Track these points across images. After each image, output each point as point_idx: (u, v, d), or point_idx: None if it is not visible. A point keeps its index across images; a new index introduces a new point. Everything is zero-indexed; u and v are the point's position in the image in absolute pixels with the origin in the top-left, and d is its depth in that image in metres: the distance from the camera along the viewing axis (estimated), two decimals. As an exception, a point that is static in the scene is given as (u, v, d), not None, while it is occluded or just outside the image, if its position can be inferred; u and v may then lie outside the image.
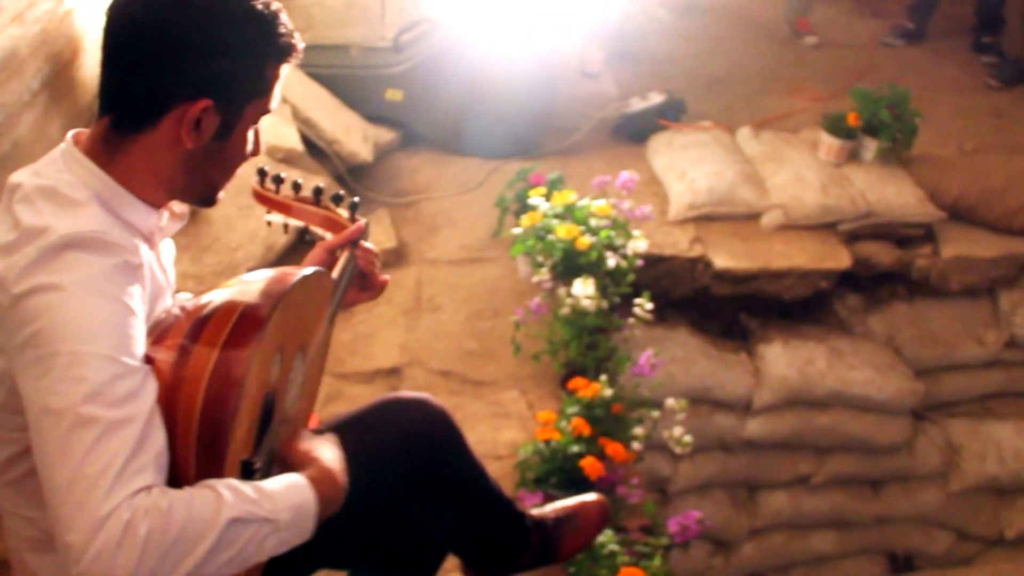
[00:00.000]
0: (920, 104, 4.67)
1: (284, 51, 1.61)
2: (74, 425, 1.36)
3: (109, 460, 1.35)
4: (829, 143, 4.65)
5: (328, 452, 1.69)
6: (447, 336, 3.85)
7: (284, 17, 1.62)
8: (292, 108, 4.36)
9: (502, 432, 3.43)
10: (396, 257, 4.21)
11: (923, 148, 4.75)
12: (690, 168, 4.53)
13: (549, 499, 2.96)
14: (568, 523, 2.46)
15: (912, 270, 4.54)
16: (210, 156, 1.63)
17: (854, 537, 4.56)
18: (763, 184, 4.50)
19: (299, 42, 1.64)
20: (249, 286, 1.66)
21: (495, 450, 3.35)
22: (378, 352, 3.75)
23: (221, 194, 1.73)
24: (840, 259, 4.33)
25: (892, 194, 4.47)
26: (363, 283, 2.15)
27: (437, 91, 4.75)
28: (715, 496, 4.39)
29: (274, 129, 4.18)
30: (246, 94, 1.61)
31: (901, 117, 4.56)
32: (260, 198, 2.19)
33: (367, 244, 2.15)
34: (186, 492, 1.41)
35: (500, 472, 3.25)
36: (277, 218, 2.22)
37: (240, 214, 3.84)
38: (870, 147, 4.63)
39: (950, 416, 4.66)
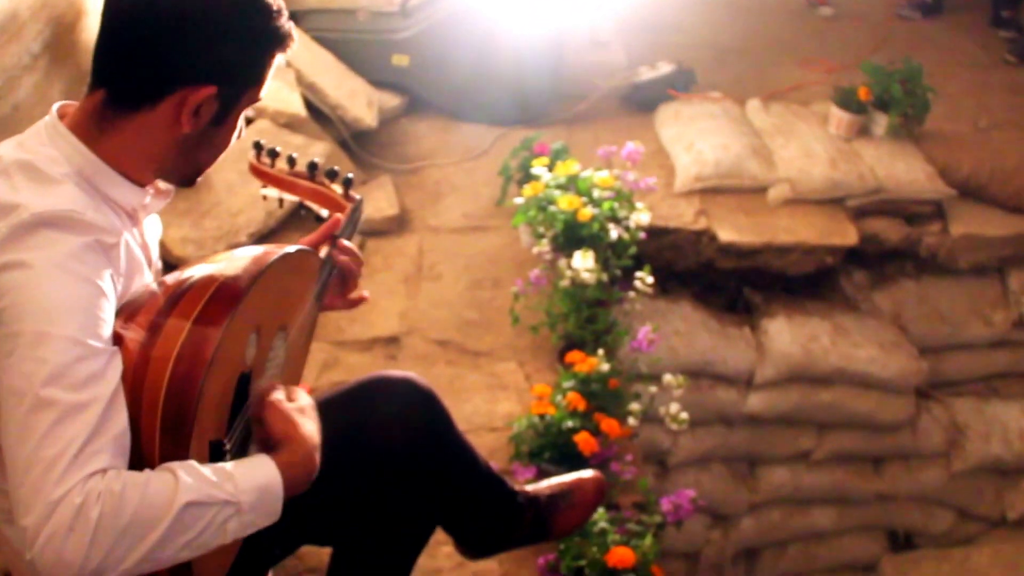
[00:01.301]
0: (934, 79, 4.61)
1: (284, 41, 1.61)
2: (34, 407, 1.35)
3: (66, 444, 1.34)
4: (839, 117, 4.60)
5: (309, 426, 1.66)
6: (447, 305, 3.83)
7: (284, 7, 1.62)
8: (296, 72, 4.32)
9: (498, 404, 3.40)
10: (398, 224, 4.18)
11: (936, 124, 4.69)
12: (697, 140, 4.48)
13: (542, 474, 2.95)
14: (563, 500, 2.44)
15: (920, 247, 4.49)
16: (203, 140, 1.61)
17: (854, 514, 4.54)
18: (771, 157, 4.45)
19: (295, 33, 1.63)
20: (229, 263, 1.65)
21: (491, 422, 3.33)
22: (377, 320, 3.72)
23: (202, 178, 1.72)
24: (847, 235, 4.28)
25: (902, 170, 4.42)
26: (344, 286, 2.12)
27: (444, 57, 4.71)
28: (715, 470, 4.37)
29: (277, 94, 4.14)
30: (246, 82, 1.61)
31: (913, 92, 4.50)
32: (256, 172, 2.19)
33: (348, 244, 2.10)
34: (142, 475, 1.39)
35: (495, 444, 3.23)
36: (272, 192, 2.21)
37: (241, 179, 3.81)
38: (881, 122, 4.58)
39: (955, 395, 4.62)
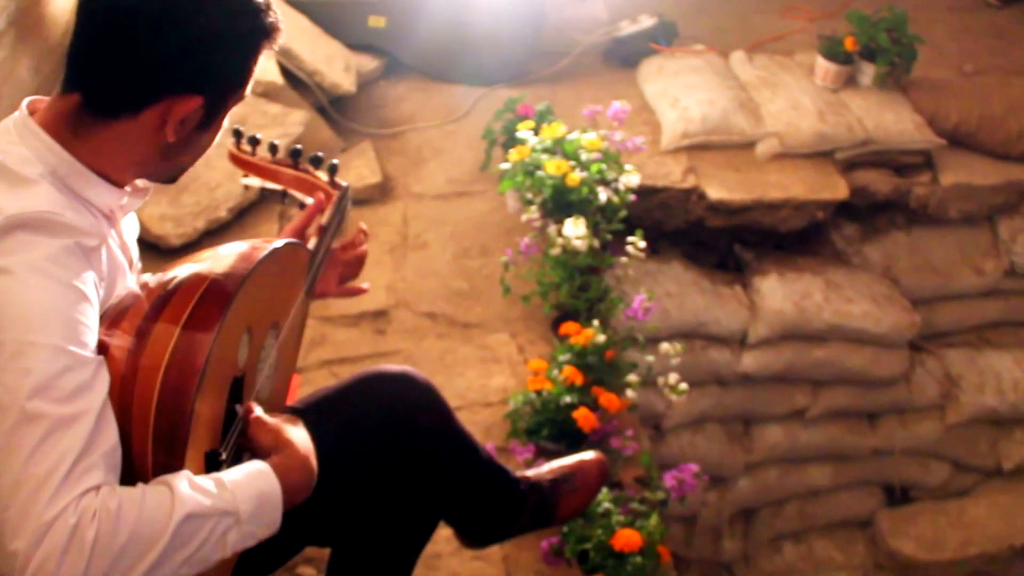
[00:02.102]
0: (918, 24, 4.52)
1: (272, 35, 1.52)
2: (19, 421, 1.27)
3: (56, 460, 1.27)
4: (826, 68, 4.51)
5: (298, 434, 1.59)
6: (434, 275, 3.75)
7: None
8: (270, 38, 4.19)
9: (492, 378, 3.34)
10: (381, 192, 4.08)
11: (921, 70, 4.60)
12: (683, 95, 4.39)
13: (541, 452, 2.90)
14: (565, 484, 2.38)
15: (910, 199, 4.42)
16: (187, 145, 1.54)
17: (850, 470, 4.51)
18: (758, 111, 4.37)
19: (281, 22, 1.54)
20: (216, 262, 1.57)
21: (485, 397, 3.27)
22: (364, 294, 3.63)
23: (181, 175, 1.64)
24: (837, 189, 4.21)
25: (890, 121, 4.34)
26: (344, 275, 2.07)
27: (421, 16, 4.59)
28: (710, 431, 4.32)
29: (252, 62, 4.02)
30: (233, 85, 1.53)
31: (899, 41, 4.41)
32: (236, 161, 2.11)
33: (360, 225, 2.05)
34: (137, 491, 1.32)
35: (490, 420, 3.17)
36: (254, 181, 2.14)
37: (218, 152, 3.64)
38: (868, 72, 4.50)
39: (948, 347, 4.58)
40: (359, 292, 2.14)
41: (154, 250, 3.53)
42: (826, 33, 4.58)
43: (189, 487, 1.34)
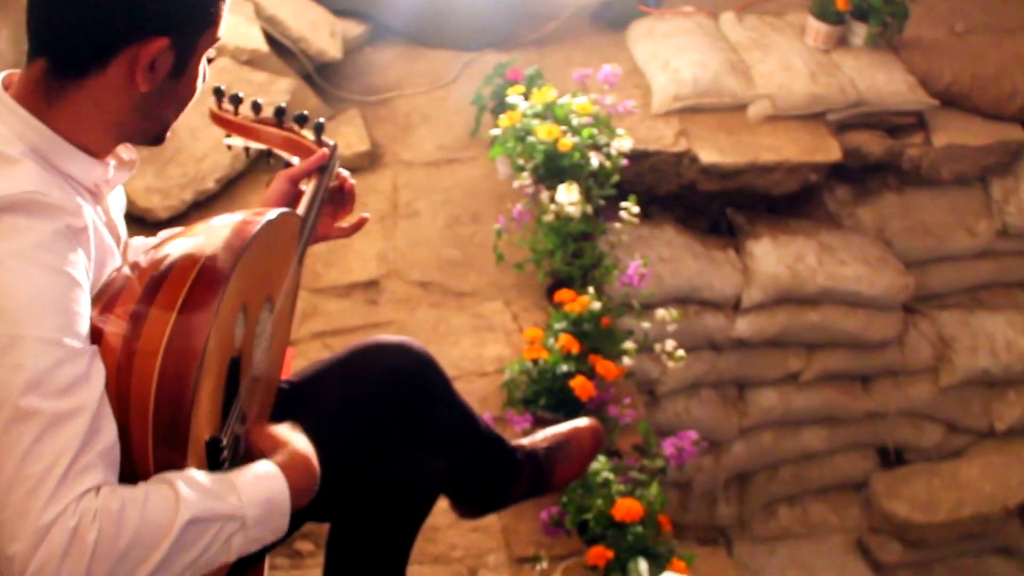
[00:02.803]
0: (911, -15, 4.48)
1: None
2: (13, 419, 1.22)
3: (53, 459, 1.21)
4: (817, 28, 4.46)
5: (298, 437, 1.55)
6: (426, 244, 3.71)
7: None
8: (255, 5, 4.13)
9: (486, 347, 3.31)
10: (370, 160, 4.03)
11: (913, 30, 4.55)
12: (673, 57, 4.34)
13: (539, 421, 2.87)
14: (560, 451, 2.35)
15: (903, 160, 4.38)
16: (164, 95, 1.46)
17: (844, 433, 4.50)
18: (749, 73, 4.32)
19: None
20: (208, 238, 1.50)
21: (480, 366, 3.24)
22: (354, 263, 3.60)
23: (169, 132, 1.57)
24: (830, 151, 4.17)
25: (883, 81, 4.30)
26: (335, 212, 2.00)
27: (406, -20, 4.53)
28: (704, 395, 4.30)
29: (236, 29, 3.96)
30: (200, 25, 1.45)
31: (891, 0, 4.36)
32: (218, 120, 2.02)
33: (342, 171, 2.00)
34: (140, 490, 1.27)
35: (486, 390, 3.15)
36: (237, 141, 2.06)
37: (204, 122, 3.59)
38: (859, 32, 4.45)
39: (941, 308, 4.56)
40: (360, 225, 2.07)
41: (140, 223, 3.47)
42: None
43: (194, 488, 1.29)
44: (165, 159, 3.56)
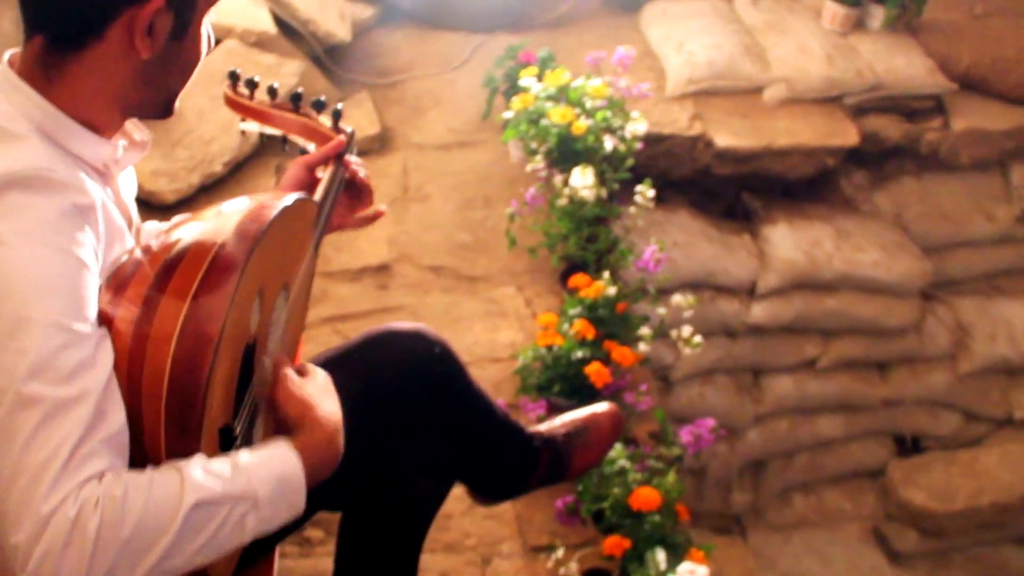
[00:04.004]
0: (930, -34, 4.42)
1: None
2: (15, 406, 1.17)
3: (55, 447, 1.17)
4: (834, 10, 4.40)
5: (328, 405, 1.51)
6: (437, 228, 3.65)
7: None
8: (263, -14, 4.08)
9: (499, 332, 3.25)
10: (380, 143, 3.98)
11: (932, 13, 4.49)
12: (688, 40, 4.28)
13: (553, 408, 2.82)
14: (579, 438, 2.29)
15: (921, 144, 4.32)
16: (167, 61, 1.42)
17: (860, 420, 4.44)
18: (765, 56, 4.26)
19: None
20: (222, 222, 1.45)
21: (493, 352, 3.19)
22: (365, 247, 3.54)
23: (178, 102, 1.52)
24: (847, 135, 4.10)
25: (901, 65, 4.23)
26: (352, 203, 1.95)
27: (417, -40, 4.48)
28: (719, 382, 4.24)
29: (244, 11, 3.91)
30: None
31: (910, -19, 4.31)
32: (233, 105, 1.99)
33: (353, 159, 1.95)
34: (145, 476, 1.22)
35: (500, 376, 3.10)
36: (252, 126, 2.02)
37: (212, 104, 3.60)
38: (877, 14, 4.39)
39: (959, 295, 4.49)
40: (376, 217, 2.02)
41: (147, 206, 3.42)
42: (834, -25, 4.47)
43: (201, 472, 1.26)
44: (173, 141, 3.51)
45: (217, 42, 3.82)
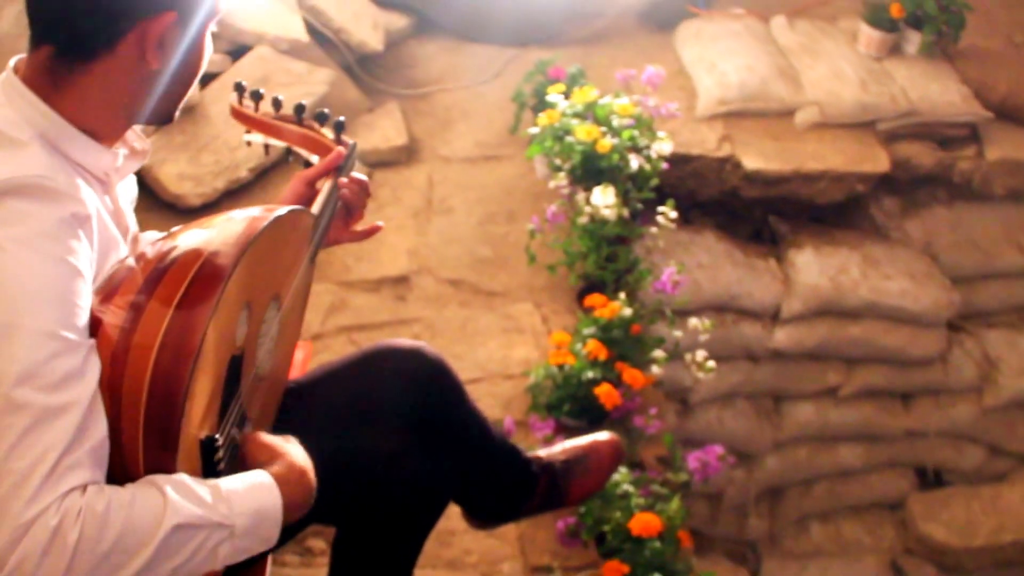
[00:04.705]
0: (969, -7, 4.37)
1: None
2: (3, 411, 1.18)
3: (40, 454, 1.18)
4: (869, 35, 4.36)
5: (296, 449, 1.50)
6: (458, 241, 3.64)
7: None
8: (297, -6, 4.09)
9: (514, 349, 3.24)
10: (407, 154, 3.98)
11: (969, 40, 4.43)
12: (720, 60, 4.25)
13: (561, 428, 2.80)
14: (579, 465, 2.28)
15: (954, 173, 4.27)
16: (174, 71, 1.43)
17: (882, 451, 4.39)
18: (798, 79, 4.23)
19: None
20: (216, 232, 1.46)
21: (506, 368, 3.17)
22: (385, 258, 3.54)
23: (178, 112, 1.53)
24: (878, 161, 4.06)
25: (936, 91, 4.19)
26: (348, 218, 1.95)
27: (452, -26, 4.48)
28: (738, 407, 4.20)
29: (277, 18, 3.93)
30: None
31: (947, 8, 4.25)
32: (238, 115, 2.02)
33: (356, 175, 1.95)
34: (127, 493, 1.23)
35: (511, 393, 3.08)
36: (257, 138, 2.04)
37: None
38: (913, 40, 4.34)
39: (988, 327, 4.43)
40: (373, 231, 2.01)
41: (172, 210, 3.44)
42: (873, 0, 4.42)
43: (182, 494, 1.26)
44: (199, 146, 3.52)
45: (248, 49, 3.83)
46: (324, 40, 4.13)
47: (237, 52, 3.82)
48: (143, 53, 1.37)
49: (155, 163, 3.42)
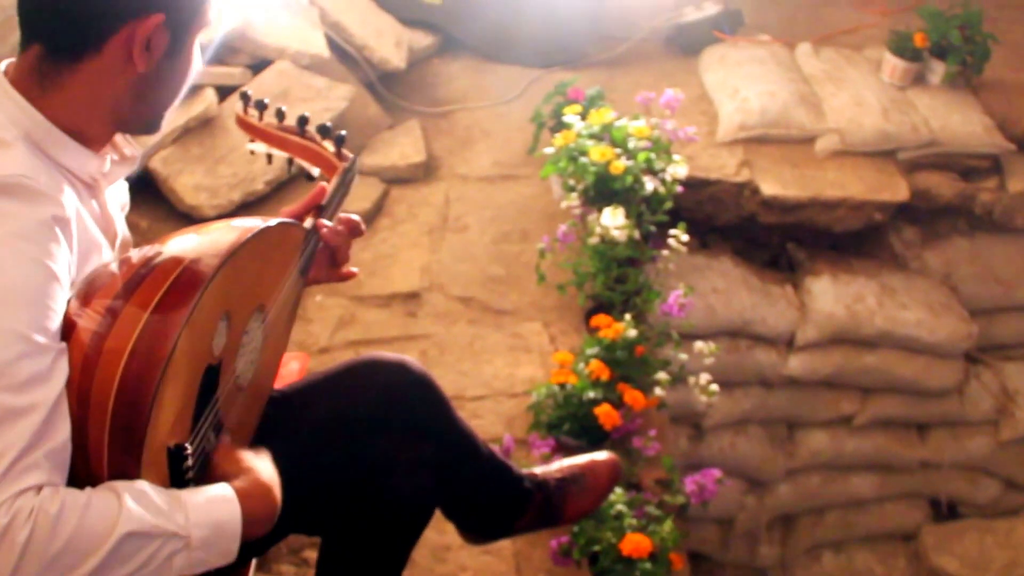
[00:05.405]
0: (996, 25, 4.34)
1: None
2: None
3: None
4: (893, 64, 4.34)
5: (264, 464, 1.50)
6: (471, 259, 3.66)
7: None
8: (320, 10, 4.12)
9: (520, 367, 3.24)
10: (425, 171, 4.00)
11: (994, 71, 4.41)
12: (743, 86, 4.25)
13: (560, 447, 2.80)
14: (575, 484, 2.28)
15: (975, 204, 4.24)
16: (160, 77, 1.45)
17: (896, 481, 4.36)
18: (820, 106, 4.22)
19: None
20: (202, 240, 1.48)
21: (511, 387, 3.17)
22: (397, 274, 3.56)
23: (165, 120, 1.55)
24: (898, 191, 4.04)
25: (958, 122, 4.17)
26: (333, 261, 1.96)
27: (479, -6, 4.51)
28: (751, 432, 4.19)
29: (299, 33, 3.96)
30: (193, 2, 1.44)
31: (972, 39, 4.24)
32: (242, 125, 2.04)
33: (347, 215, 1.95)
34: (83, 496, 1.23)
35: (514, 411, 3.09)
36: (260, 147, 2.06)
37: None
38: (937, 70, 4.33)
39: (1006, 360, 4.40)
40: (349, 276, 2.03)
41: (187, 220, 3.47)
42: (899, 29, 4.41)
43: (139, 501, 1.26)
44: (216, 158, 3.56)
45: (269, 63, 3.87)
46: (346, 56, 4.16)
47: (258, 66, 3.85)
48: (130, 55, 1.38)
49: (171, 174, 3.45)
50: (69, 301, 1.34)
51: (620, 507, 2.51)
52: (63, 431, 1.26)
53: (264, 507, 1.43)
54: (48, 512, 1.19)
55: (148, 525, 1.25)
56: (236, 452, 1.50)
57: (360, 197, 3.76)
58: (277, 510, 1.46)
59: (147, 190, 3.46)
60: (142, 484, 1.29)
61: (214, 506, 1.35)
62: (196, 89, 3.59)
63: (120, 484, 1.28)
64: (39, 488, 1.21)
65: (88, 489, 1.26)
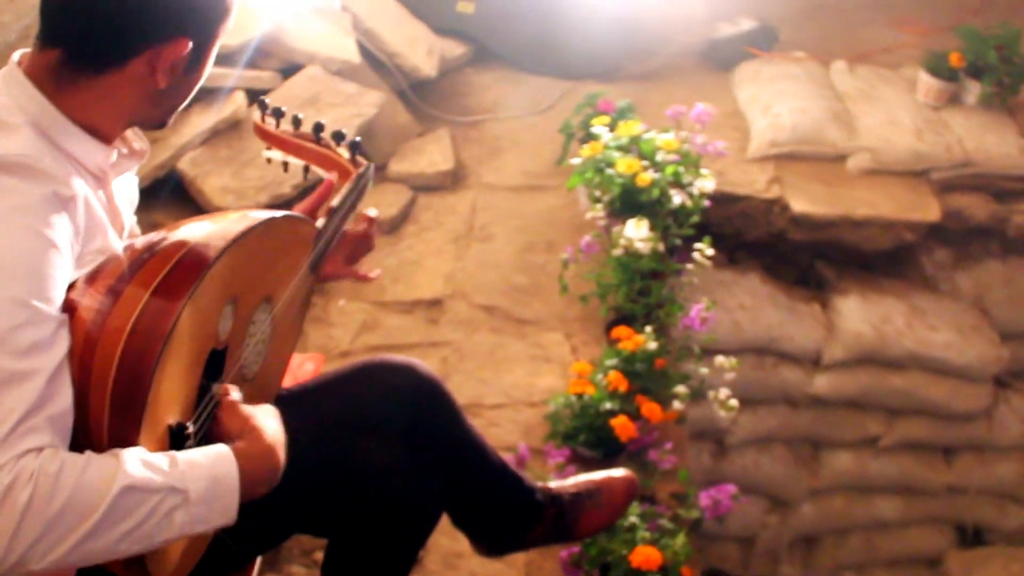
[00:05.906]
0: (1037, 45, 4.30)
1: None
2: None
3: (0, 417, 1.20)
4: (928, 84, 4.31)
5: (270, 423, 1.50)
6: (496, 268, 3.65)
7: None
8: (353, 17, 4.13)
9: (541, 377, 3.23)
10: (453, 180, 4.00)
11: (1033, 93, 4.37)
12: (775, 102, 4.23)
13: (576, 457, 2.79)
14: (589, 500, 2.25)
15: (1009, 226, 4.19)
16: (178, 87, 1.48)
17: (921, 505, 4.30)
18: (852, 124, 4.19)
19: None
20: (207, 227, 1.49)
21: (530, 396, 3.16)
22: (422, 281, 3.56)
23: (172, 119, 1.57)
24: (929, 211, 4.00)
25: (993, 143, 4.12)
26: (351, 257, 1.97)
27: (512, 5, 4.52)
28: (776, 451, 4.15)
29: (330, 39, 3.98)
30: (217, 19, 1.46)
31: (1010, 60, 4.19)
32: (259, 132, 2.06)
33: (370, 212, 1.97)
34: (83, 457, 1.25)
35: (533, 421, 3.07)
36: (276, 155, 2.07)
37: None
38: (973, 90, 4.28)
39: (1036, 386, 4.35)
40: (366, 279, 2.03)
41: (214, 222, 3.48)
42: (937, 49, 4.37)
43: (137, 459, 1.27)
44: (244, 160, 3.57)
45: (300, 68, 3.89)
46: (377, 64, 4.17)
47: (288, 71, 3.87)
48: (153, 72, 1.41)
49: (199, 175, 3.46)
50: (75, 283, 1.36)
51: (633, 519, 2.49)
52: (65, 398, 1.28)
53: (265, 465, 1.43)
54: (48, 472, 1.20)
55: (146, 479, 1.26)
56: (242, 409, 1.49)
57: (387, 203, 3.77)
58: (279, 470, 1.46)
59: (175, 191, 3.49)
60: (140, 448, 1.31)
61: (210, 462, 1.35)
62: (226, 92, 3.61)
63: (119, 449, 1.29)
64: (40, 450, 1.22)
65: (88, 452, 1.27)
